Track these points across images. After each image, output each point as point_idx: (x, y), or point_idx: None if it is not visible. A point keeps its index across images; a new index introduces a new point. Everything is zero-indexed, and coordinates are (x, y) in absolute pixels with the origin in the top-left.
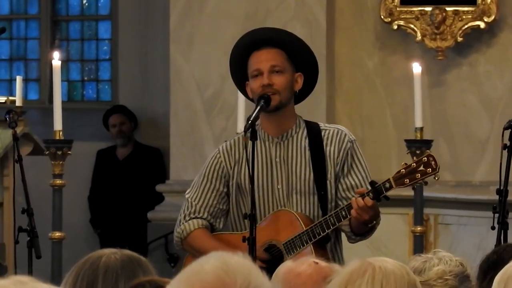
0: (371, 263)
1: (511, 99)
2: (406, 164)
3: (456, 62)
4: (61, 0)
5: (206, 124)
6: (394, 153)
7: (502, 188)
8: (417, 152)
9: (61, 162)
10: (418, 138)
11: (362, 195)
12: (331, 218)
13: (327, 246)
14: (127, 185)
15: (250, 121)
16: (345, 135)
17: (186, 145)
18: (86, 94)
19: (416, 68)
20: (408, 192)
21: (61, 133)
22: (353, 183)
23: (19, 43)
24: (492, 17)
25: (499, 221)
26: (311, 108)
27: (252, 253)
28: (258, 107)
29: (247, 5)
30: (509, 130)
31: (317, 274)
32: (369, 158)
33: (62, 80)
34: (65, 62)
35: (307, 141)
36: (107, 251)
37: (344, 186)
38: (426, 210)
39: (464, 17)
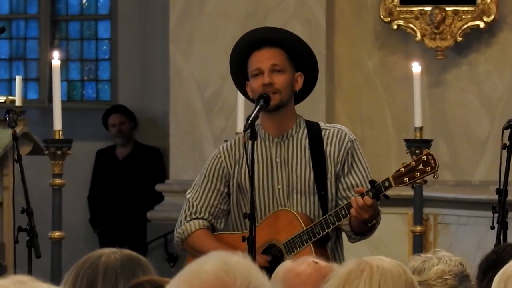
0: (368, 262)
1: (511, 99)
2: (405, 163)
3: (456, 62)
4: (60, 0)
5: (205, 124)
6: (394, 153)
7: (501, 187)
8: (417, 151)
9: (60, 162)
10: (418, 138)
11: (362, 194)
12: (331, 218)
13: (327, 246)
14: (127, 184)
15: (249, 121)
16: (346, 134)
17: (186, 145)
18: (86, 94)
19: (416, 68)
20: (407, 191)
21: (60, 133)
22: (353, 182)
23: (19, 43)
24: (492, 17)
25: (499, 220)
26: (310, 108)
27: (252, 253)
28: (258, 107)
29: (247, 5)
30: (509, 129)
31: (316, 273)
32: (369, 158)
33: (61, 80)
34: (65, 61)
35: (307, 140)
36: (107, 250)
37: (345, 186)
38: (426, 210)
39: (463, 16)
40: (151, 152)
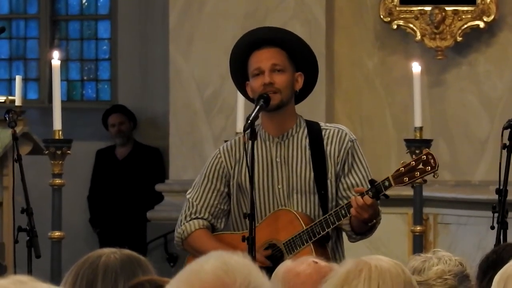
0: (367, 262)
1: (511, 98)
2: (405, 162)
3: (456, 61)
4: (60, 0)
5: (205, 123)
6: (394, 153)
7: (501, 187)
8: (417, 151)
9: (60, 162)
10: (418, 137)
11: (362, 194)
12: (330, 217)
13: (327, 245)
14: (127, 184)
15: (249, 121)
16: (346, 134)
17: (186, 145)
18: (86, 94)
19: (416, 67)
20: (407, 191)
21: (60, 133)
22: (353, 182)
23: (19, 43)
24: (492, 17)
25: (499, 220)
26: (310, 108)
27: (252, 253)
28: (258, 107)
29: (247, 5)
30: (509, 129)
31: (316, 273)
32: (369, 158)
33: (61, 80)
34: (65, 61)
35: (307, 140)
36: (107, 250)
37: (345, 186)
38: (426, 210)
39: (463, 16)
40: (151, 152)
